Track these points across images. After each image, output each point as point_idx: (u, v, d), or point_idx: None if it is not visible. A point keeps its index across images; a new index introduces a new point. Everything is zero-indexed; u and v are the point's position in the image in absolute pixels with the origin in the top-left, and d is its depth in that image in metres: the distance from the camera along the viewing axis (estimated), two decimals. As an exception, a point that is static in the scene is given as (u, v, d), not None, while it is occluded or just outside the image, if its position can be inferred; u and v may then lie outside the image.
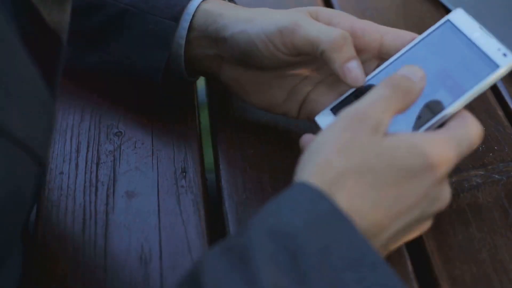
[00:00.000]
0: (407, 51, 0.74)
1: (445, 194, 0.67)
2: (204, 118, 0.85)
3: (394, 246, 0.66)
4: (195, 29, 0.80)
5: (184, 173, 0.78)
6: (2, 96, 0.54)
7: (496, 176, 0.76)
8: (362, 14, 0.99)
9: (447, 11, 0.99)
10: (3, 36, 0.56)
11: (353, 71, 0.72)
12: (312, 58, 0.77)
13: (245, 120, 0.83)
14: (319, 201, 0.60)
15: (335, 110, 0.74)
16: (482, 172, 0.76)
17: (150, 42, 0.81)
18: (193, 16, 0.80)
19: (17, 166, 0.56)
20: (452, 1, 1.00)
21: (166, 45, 0.80)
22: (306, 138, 0.70)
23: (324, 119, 0.74)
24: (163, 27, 0.80)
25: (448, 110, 0.69)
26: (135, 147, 0.81)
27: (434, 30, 0.74)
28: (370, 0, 1.02)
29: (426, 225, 0.67)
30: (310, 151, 0.64)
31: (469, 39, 0.71)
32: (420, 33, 0.76)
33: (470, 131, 0.66)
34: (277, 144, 0.81)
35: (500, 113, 0.84)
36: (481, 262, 0.69)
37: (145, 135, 0.82)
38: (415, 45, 0.74)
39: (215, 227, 0.74)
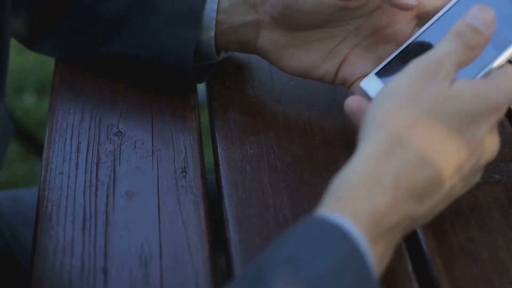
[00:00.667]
0: (450, 8, 0.74)
1: (495, 143, 0.67)
2: (204, 118, 0.85)
3: (449, 200, 0.66)
4: None
5: (184, 173, 0.78)
6: None
7: (496, 176, 0.76)
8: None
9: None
10: None
11: None
12: (350, 16, 0.78)
13: (245, 120, 0.83)
14: (339, 244, 0.58)
15: (380, 74, 0.74)
16: (482, 172, 0.76)
17: (179, 21, 0.82)
18: None
19: None
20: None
21: (196, 23, 0.81)
22: (353, 100, 0.70)
23: (370, 84, 0.73)
24: (191, 4, 0.81)
25: (494, 64, 0.69)
26: (135, 147, 0.81)
27: None
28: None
29: (476, 179, 0.67)
30: (381, 97, 0.65)
31: None
32: None
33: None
34: (278, 144, 0.81)
35: (500, 113, 0.84)
36: (481, 262, 0.69)
37: (145, 135, 0.82)
38: (457, 1, 0.74)
39: (215, 227, 0.74)
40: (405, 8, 0.75)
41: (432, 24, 0.74)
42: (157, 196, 0.75)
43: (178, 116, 0.84)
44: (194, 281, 0.68)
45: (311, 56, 0.80)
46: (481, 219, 0.72)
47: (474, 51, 0.66)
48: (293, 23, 0.79)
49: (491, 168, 0.77)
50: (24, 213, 0.90)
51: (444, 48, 0.66)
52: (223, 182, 0.77)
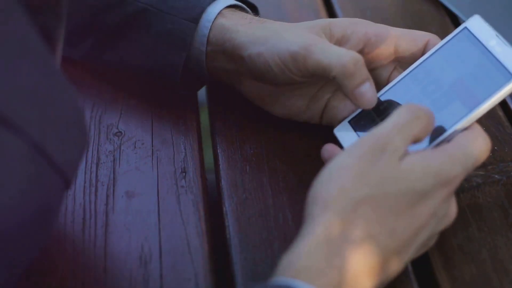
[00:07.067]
0: (423, 61, 0.73)
1: (452, 210, 0.67)
2: (204, 118, 0.85)
3: (402, 266, 0.65)
4: (212, 43, 0.80)
5: (184, 173, 0.78)
6: (42, 119, 0.55)
7: (496, 176, 0.76)
8: (362, 13, 0.99)
9: (447, 10, 0.99)
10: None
11: (364, 95, 0.72)
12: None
13: (245, 120, 0.83)
14: None
15: (353, 122, 0.74)
16: (482, 172, 0.76)
17: (168, 41, 0.81)
18: (210, 30, 0.80)
19: (52, 187, 0.58)
20: (451, 1, 1.00)
21: (185, 45, 0.80)
22: (329, 148, 0.70)
23: (342, 132, 0.74)
24: (181, 27, 0.81)
25: (461, 124, 0.68)
26: (135, 147, 0.81)
27: (451, 38, 0.73)
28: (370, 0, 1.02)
29: (432, 242, 0.67)
30: (327, 176, 0.63)
31: (485, 48, 0.70)
32: None
33: (477, 146, 0.66)
34: (278, 144, 0.81)
35: (500, 113, 0.84)
36: (481, 262, 0.69)
37: (145, 135, 0.82)
38: (432, 54, 0.73)
39: (215, 227, 0.74)
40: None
41: (407, 74, 0.74)
42: (157, 196, 0.75)
43: (178, 116, 0.84)
44: (194, 281, 0.68)
45: (294, 103, 0.80)
46: (481, 219, 0.72)
47: (426, 125, 0.65)
48: (271, 82, 0.78)
49: (491, 168, 0.77)
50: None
51: (393, 123, 0.64)
52: (223, 182, 0.77)
